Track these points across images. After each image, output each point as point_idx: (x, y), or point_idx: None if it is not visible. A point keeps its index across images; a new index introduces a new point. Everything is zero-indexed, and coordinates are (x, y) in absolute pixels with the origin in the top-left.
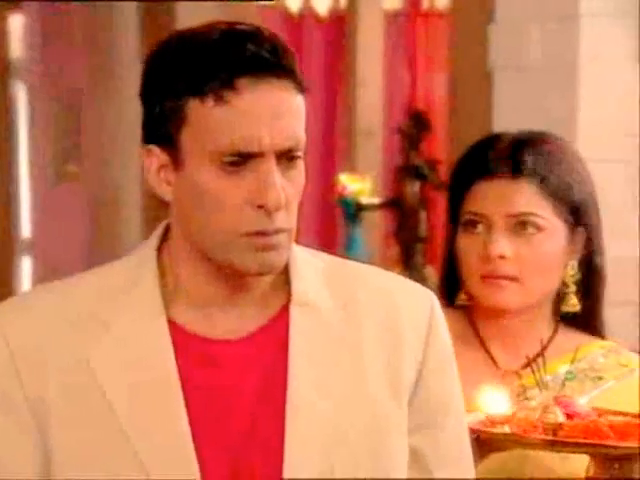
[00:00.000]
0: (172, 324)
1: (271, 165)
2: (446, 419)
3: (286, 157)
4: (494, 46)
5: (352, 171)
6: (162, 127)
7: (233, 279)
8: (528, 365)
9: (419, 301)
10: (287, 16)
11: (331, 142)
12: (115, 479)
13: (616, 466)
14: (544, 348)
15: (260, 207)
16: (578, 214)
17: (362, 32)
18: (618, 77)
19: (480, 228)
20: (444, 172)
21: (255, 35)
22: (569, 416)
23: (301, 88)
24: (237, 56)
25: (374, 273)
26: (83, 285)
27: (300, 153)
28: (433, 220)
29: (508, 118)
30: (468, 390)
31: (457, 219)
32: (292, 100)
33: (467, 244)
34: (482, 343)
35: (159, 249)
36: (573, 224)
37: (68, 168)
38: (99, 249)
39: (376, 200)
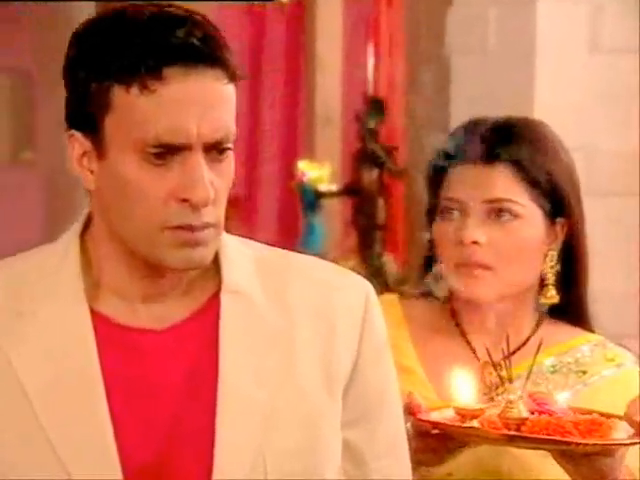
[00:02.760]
0: (95, 314)
1: (199, 158)
2: (382, 410)
3: (215, 149)
4: (451, 30)
5: (311, 158)
6: (85, 112)
7: (157, 273)
8: (508, 356)
9: (354, 291)
10: (249, 3)
11: (293, 129)
12: (30, 471)
13: (584, 467)
14: (526, 341)
15: (185, 201)
16: (558, 203)
17: (321, 17)
18: (574, 62)
19: (456, 214)
20: (402, 158)
21: (185, 21)
22: (541, 414)
23: (233, 77)
24: (165, 43)
25: (309, 263)
26: (1, 273)
27: (230, 145)
28: (391, 208)
29: (465, 102)
30: (447, 380)
31: (435, 206)
32: (222, 90)
33: (442, 231)
34: (462, 333)
35: (83, 237)
36: (552, 213)
37: (23, 154)
38: (53, 238)
39: (334, 187)
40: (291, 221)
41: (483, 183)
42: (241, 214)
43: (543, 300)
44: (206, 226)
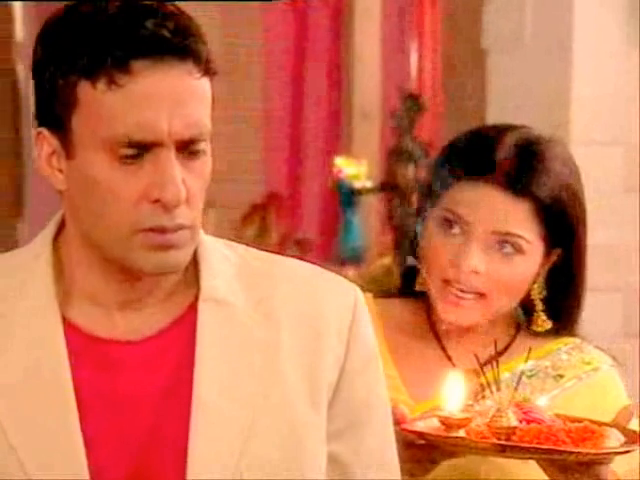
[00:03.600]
0: (68, 324)
1: (170, 156)
2: (370, 420)
3: (189, 147)
4: (488, 25)
5: (349, 154)
6: (52, 109)
7: (133, 277)
8: (486, 364)
9: (342, 298)
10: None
11: (335, 125)
12: None
13: (576, 476)
14: (505, 349)
15: (157, 202)
16: (563, 233)
17: (359, 10)
18: (612, 57)
19: (456, 230)
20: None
21: (156, 12)
22: (530, 423)
23: (207, 71)
24: (133, 35)
25: (295, 267)
26: None
27: (205, 143)
28: None
29: (502, 94)
30: (422, 387)
31: (426, 210)
32: (195, 85)
33: (440, 244)
34: (437, 339)
35: (58, 240)
36: (552, 243)
37: None
38: None
39: (369, 184)
40: (333, 218)
41: (499, 213)
42: (283, 212)
43: (536, 329)
44: (180, 228)
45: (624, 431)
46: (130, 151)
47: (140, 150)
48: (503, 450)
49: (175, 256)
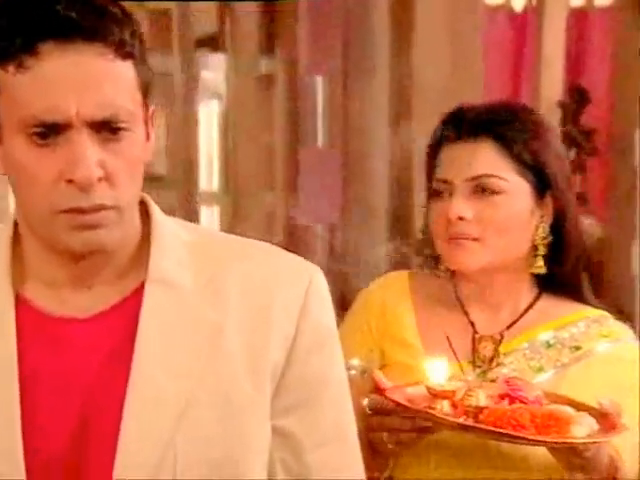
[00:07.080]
0: (21, 302)
1: (81, 137)
2: (323, 399)
3: (108, 129)
4: None
5: None
6: None
7: (75, 257)
8: (506, 329)
9: (294, 278)
10: (512, 14)
11: None
12: None
13: (567, 457)
14: (522, 314)
15: (71, 182)
16: (544, 177)
17: (547, 26)
18: None
19: (445, 194)
20: (601, 141)
21: None
22: (512, 400)
23: (122, 53)
24: (42, 18)
25: (251, 247)
26: None
27: (125, 124)
28: (587, 185)
29: None
30: (442, 353)
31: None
32: (109, 67)
33: (434, 212)
34: (462, 306)
35: (18, 225)
36: (541, 188)
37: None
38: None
39: None
40: None
41: (466, 161)
42: None
43: (532, 270)
44: (100, 208)
45: (600, 419)
46: (42, 132)
47: (52, 132)
48: (466, 429)
49: (100, 236)
